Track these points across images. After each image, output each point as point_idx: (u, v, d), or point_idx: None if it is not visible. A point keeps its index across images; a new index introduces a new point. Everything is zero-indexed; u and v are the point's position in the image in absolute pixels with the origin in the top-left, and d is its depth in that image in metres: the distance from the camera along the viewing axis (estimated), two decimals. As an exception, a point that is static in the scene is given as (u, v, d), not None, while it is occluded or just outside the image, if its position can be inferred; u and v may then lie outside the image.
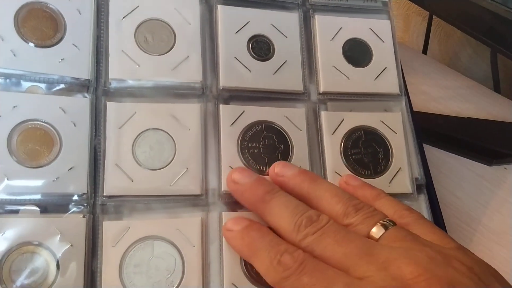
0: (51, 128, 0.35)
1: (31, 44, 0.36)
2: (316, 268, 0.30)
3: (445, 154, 0.58)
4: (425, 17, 0.86)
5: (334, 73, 0.43)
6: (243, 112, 0.40)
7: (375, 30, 0.45)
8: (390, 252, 0.30)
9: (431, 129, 0.58)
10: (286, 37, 0.43)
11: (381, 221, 0.33)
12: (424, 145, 0.45)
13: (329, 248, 0.31)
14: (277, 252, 0.31)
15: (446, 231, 0.41)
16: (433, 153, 0.56)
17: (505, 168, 0.57)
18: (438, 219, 0.42)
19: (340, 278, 0.29)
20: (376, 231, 0.32)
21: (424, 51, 0.86)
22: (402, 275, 0.28)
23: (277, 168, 0.37)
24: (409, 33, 0.92)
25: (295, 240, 0.32)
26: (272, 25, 0.43)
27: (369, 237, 0.32)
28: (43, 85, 0.36)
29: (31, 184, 0.34)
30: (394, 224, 0.33)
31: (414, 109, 0.46)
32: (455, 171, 0.56)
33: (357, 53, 0.44)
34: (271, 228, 0.34)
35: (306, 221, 0.32)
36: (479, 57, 0.84)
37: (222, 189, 0.37)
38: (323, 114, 0.42)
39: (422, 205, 0.42)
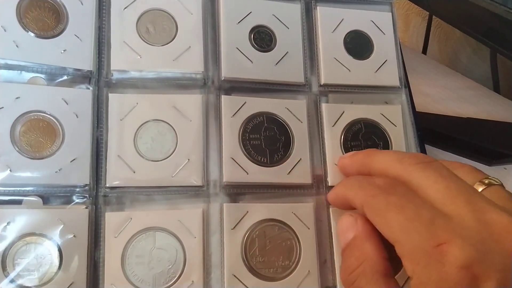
0: (54, 119, 0.36)
1: (33, 35, 0.36)
2: (406, 192, 0.29)
3: (445, 154, 0.58)
4: (425, 17, 0.86)
5: (335, 65, 0.43)
6: (244, 103, 0.40)
7: (376, 22, 0.45)
8: (489, 203, 0.28)
9: (430, 130, 0.58)
10: (288, 28, 0.43)
11: (484, 178, 0.31)
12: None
13: (429, 179, 0.29)
14: (371, 181, 0.31)
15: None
16: (432, 153, 0.56)
17: (505, 168, 0.57)
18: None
19: (427, 207, 0.28)
20: (479, 187, 0.30)
21: (424, 52, 0.85)
22: (494, 223, 0.26)
23: None
24: (408, 33, 0.92)
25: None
26: (274, 16, 0.43)
27: None
28: (44, 76, 0.36)
29: (34, 175, 0.34)
30: (499, 183, 0.31)
31: (413, 110, 0.46)
32: (455, 172, 0.56)
33: (358, 45, 0.44)
34: None
35: (411, 155, 0.32)
36: (478, 57, 0.84)
37: (224, 180, 0.38)
38: (324, 106, 0.42)
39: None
